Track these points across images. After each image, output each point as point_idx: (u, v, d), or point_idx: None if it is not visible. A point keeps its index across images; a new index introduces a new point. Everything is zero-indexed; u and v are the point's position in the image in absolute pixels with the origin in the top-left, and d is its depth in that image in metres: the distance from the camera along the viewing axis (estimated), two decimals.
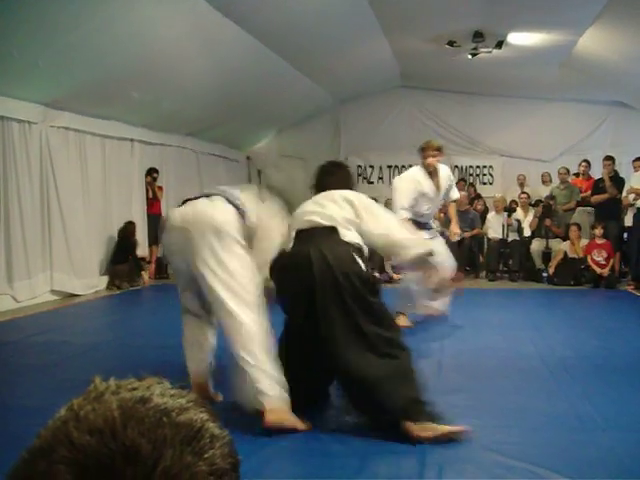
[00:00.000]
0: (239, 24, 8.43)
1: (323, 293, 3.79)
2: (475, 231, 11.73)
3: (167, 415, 0.61)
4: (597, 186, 11.20)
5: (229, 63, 9.68)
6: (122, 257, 10.29)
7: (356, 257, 3.88)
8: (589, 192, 11.53)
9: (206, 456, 0.61)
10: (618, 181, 10.97)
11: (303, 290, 3.85)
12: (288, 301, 4.06)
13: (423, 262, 4.33)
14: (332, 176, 4.48)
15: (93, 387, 0.65)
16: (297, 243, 4.01)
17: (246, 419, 3.80)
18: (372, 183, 14.53)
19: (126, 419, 0.60)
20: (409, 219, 6.36)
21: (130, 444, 0.58)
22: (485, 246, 11.90)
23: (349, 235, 3.97)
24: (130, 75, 8.75)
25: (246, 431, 3.67)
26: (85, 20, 6.96)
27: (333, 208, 4.08)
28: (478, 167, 14.69)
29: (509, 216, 11.76)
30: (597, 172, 11.96)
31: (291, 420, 3.81)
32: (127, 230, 10.36)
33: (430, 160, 7.01)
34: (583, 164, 12.44)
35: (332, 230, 3.95)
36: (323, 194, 4.26)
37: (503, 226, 11.67)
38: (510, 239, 11.59)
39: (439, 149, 7.15)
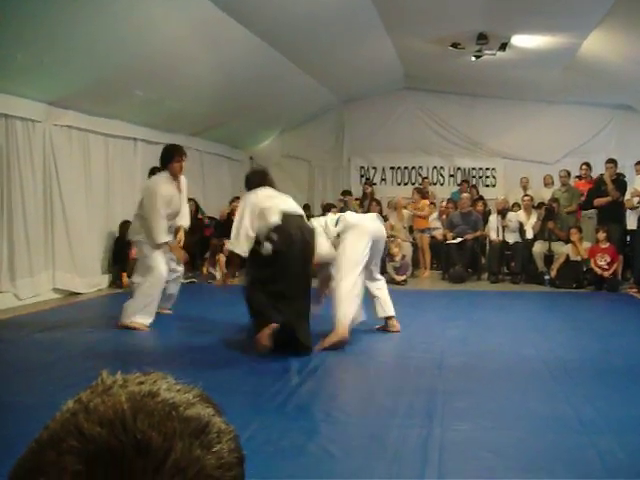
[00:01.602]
0: (243, 24, 8.43)
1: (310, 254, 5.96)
2: (477, 233, 11.72)
3: (175, 409, 0.62)
4: (599, 188, 11.19)
5: (233, 63, 9.69)
6: (118, 256, 10.21)
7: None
8: (591, 188, 11.57)
9: (214, 450, 0.61)
10: (620, 184, 10.95)
11: (300, 252, 5.79)
12: (288, 257, 5.70)
13: None
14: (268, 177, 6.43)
15: (100, 380, 0.65)
16: (288, 221, 5.81)
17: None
18: (375, 184, 14.52)
19: (136, 411, 0.60)
20: None
21: (141, 436, 0.58)
22: (487, 248, 11.88)
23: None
24: (134, 74, 8.75)
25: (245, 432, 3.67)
26: (89, 19, 6.96)
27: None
28: (481, 169, 14.70)
29: (503, 218, 11.71)
30: (599, 174, 11.96)
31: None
32: (123, 229, 10.28)
33: None
34: (583, 167, 12.45)
35: (302, 217, 6.14)
36: (276, 193, 6.19)
37: (498, 228, 11.64)
38: (511, 241, 11.56)
39: None
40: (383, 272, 11.18)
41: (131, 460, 0.57)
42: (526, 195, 12.23)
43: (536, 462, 3.49)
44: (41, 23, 6.71)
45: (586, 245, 10.78)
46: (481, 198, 13.08)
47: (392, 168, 14.89)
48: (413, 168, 14.92)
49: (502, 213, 11.79)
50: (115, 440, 0.58)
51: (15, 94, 8.10)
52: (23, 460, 0.61)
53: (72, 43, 7.31)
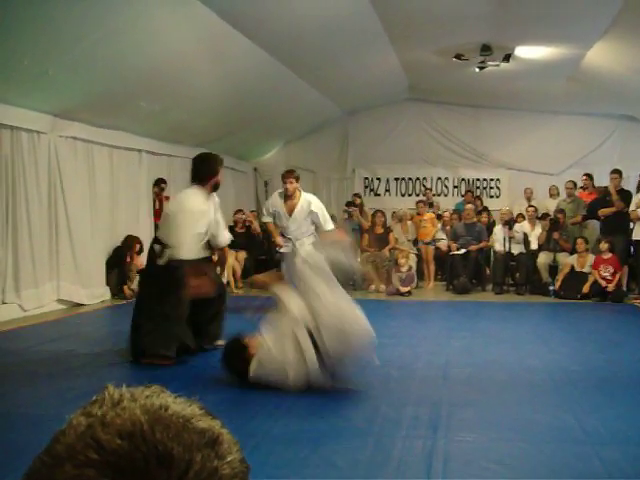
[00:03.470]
0: (248, 36, 8.46)
1: None
2: (482, 244, 11.70)
3: (189, 421, 0.63)
4: (604, 199, 11.17)
5: (237, 74, 9.71)
6: (115, 264, 10.20)
7: None
8: (595, 198, 11.58)
9: (228, 460, 0.62)
10: (625, 195, 10.94)
11: None
12: None
13: None
14: None
15: (107, 394, 0.65)
16: None
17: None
18: (379, 195, 14.54)
19: (153, 424, 0.61)
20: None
21: (162, 448, 0.59)
22: (492, 259, 11.87)
23: None
24: (139, 86, 8.78)
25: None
26: (94, 31, 6.99)
27: None
28: (485, 180, 14.68)
29: (510, 229, 11.70)
30: (603, 185, 11.96)
31: None
32: (126, 242, 10.29)
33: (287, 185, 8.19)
34: (584, 177, 12.44)
35: None
36: None
37: (504, 239, 11.62)
38: (516, 252, 11.54)
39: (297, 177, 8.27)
40: (388, 283, 11.27)
41: (154, 471, 0.58)
42: (530, 206, 12.22)
43: (540, 472, 3.48)
44: (46, 34, 6.75)
45: (591, 258, 10.73)
46: (485, 209, 13.07)
47: (396, 179, 14.89)
48: (417, 179, 14.91)
49: (509, 224, 11.78)
50: (137, 452, 0.58)
51: (21, 106, 8.14)
52: (35, 473, 0.60)
53: (77, 55, 7.33)
